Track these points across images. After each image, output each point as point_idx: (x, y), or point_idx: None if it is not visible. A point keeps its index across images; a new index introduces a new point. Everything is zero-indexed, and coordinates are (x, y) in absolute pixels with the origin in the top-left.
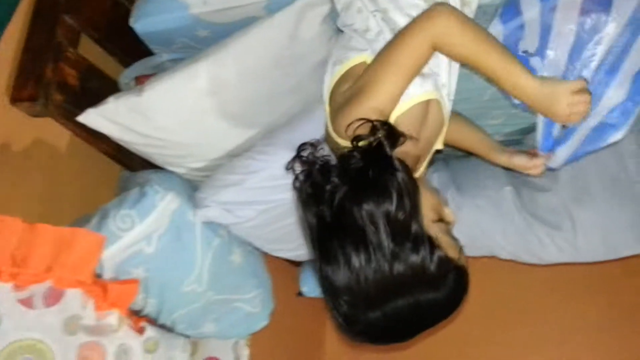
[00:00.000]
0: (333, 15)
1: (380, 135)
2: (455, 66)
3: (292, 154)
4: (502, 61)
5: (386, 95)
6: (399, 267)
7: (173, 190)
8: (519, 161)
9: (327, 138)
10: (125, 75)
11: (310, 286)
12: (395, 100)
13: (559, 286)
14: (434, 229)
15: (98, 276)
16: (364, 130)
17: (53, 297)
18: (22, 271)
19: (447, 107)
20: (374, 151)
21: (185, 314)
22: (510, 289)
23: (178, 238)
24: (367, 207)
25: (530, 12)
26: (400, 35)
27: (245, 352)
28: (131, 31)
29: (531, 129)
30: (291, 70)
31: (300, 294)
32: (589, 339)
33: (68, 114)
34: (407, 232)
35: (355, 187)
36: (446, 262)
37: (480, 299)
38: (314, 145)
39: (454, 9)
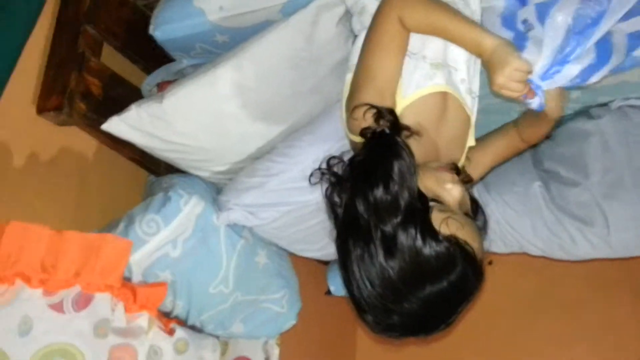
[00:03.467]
0: (349, 15)
1: (382, 122)
2: (477, 62)
3: (313, 155)
4: (466, 26)
5: (376, 77)
6: (393, 256)
7: (197, 194)
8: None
9: (349, 141)
10: (148, 82)
11: (338, 285)
12: (389, 80)
13: (593, 281)
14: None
15: (127, 280)
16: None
17: (82, 302)
18: (51, 277)
19: (469, 102)
20: (377, 138)
21: (213, 315)
22: (542, 284)
23: (203, 241)
24: (360, 197)
25: None
26: (373, 20)
27: (275, 352)
28: (152, 38)
29: (561, 122)
30: (309, 72)
31: (328, 292)
32: (623, 335)
33: (92, 123)
34: (398, 211)
35: (356, 181)
36: (447, 243)
37: (514, 294)
38: (336, 157)
39: None
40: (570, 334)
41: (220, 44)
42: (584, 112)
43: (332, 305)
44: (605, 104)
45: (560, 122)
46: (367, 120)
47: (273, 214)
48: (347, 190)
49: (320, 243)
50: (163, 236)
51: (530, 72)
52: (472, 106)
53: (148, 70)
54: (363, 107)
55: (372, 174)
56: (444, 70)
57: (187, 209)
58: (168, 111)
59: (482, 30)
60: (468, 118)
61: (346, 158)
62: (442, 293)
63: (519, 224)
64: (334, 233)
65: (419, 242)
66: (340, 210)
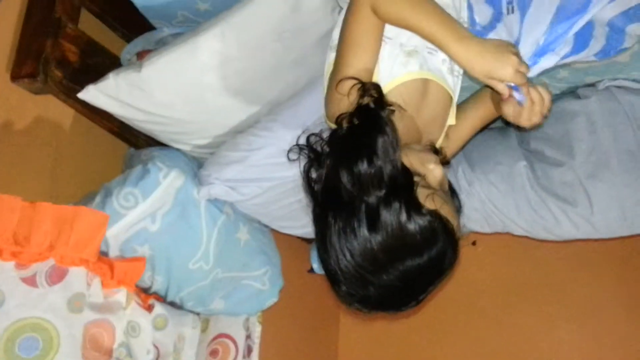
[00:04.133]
0: None
1: (366, 98)
2: None
3: (296, 130)
4: (442, 25)
5: (355, 72)
6: (376, 230)
7: (177, 167)
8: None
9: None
10: (127, 51)
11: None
12: (368, 73)
13: (578, 262)
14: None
15: (103, 254)
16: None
17: (56, 276)
18: (24, 250)
19: (450, 82)
20: (361, 112)
21: (193, 291)
22: (527, 265)
23: (183, 215)
24: (343, 170)
25: None
26: (347, 12)
27: (257, 329)
28: (133, 5)
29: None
30: (294, 43)
31: (311, 270)
32: (607, 316)
33: (69, 91)
34: (382, 184)
35: (339, 154)
36: (429, 218)
37: (498, 275)
38: (315, 134)
39: None
40: (555, 315)
41: (202, 12)
42: (571, 92)
43: (315, 283)
44: (592, 84)
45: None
46: (351, 95)
47: (255, 189)
48: (329, 164)
49: (303, 220)
50: (141, 210)
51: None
52: (454, 85)
53: (128, 38)
54: (349, 82)
55: (356, 148)
56: (419, 57)
57: (166, 183)
58: (147, 80)
59: (458, 38)
60: (450, 98)
61: (325, 135)
62: (420, 267)
63: (503, 204)
64: (311, 208)
65: (404, 215)
66: (319, 185)
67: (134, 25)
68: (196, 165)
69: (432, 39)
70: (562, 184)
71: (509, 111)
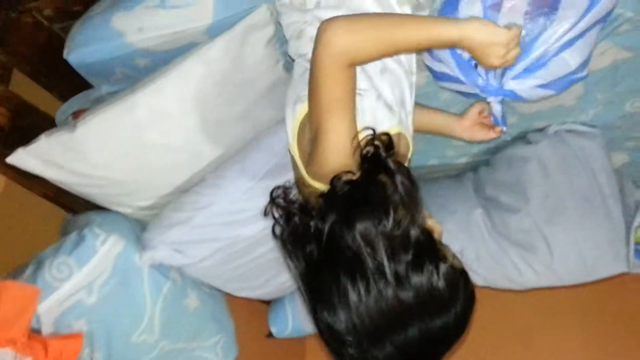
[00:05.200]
0: (279, 37)
1: (377, 144)
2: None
3: (244, 185)
4: (420, 28)
5: (341, 136)
6: (404, 290)
7: (116, 231)
8: (480, 136)
9: (301, 184)
10: (62, 111)
11: (280, 326)
12: (353, 131)
13: (542, 308)
14: None
15: (35, 332)
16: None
17: None
18: None
19: (410, 129)
20: (369, 161)
21: None
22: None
23: (123, 284)
24: (361, 226)
25: None
26: (313, 72)
27: None
28: (68, 64)
29: (500, 148)
30: (238, 97)
31: (270, 335)
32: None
33: None
34: (409, 246)
35: (345, 210)
36: (454, 273)
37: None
38: (286, 187)
39: (336, 17)
40: None
41: (141, 69)
42: (522, 138)
43: (276, 348)
44: (541, 129)
45: (498, 148)
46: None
47: (203, 251)
48: (329, 221)
49: (259, 280)
50: (76, 281)
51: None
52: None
53: (64, 98)
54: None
55: (375, 203)
56: (395, 112)
57: (104, 249)
58: (81, 141)
59: (441, 23)
60: (408, 146)
61: (293, 193)
62: (445, 325)
63: (462, 254)
64: (298, 267)
65: (435, 276)
66: (314, 247)
67: (70, 84)
68: (139, 228)
69: (426, 39)
70: (519, 230)
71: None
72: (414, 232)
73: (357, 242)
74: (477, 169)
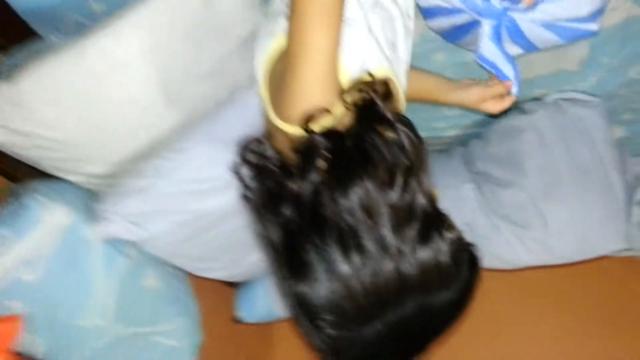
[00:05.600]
0: None
1: (371, 91)
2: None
3: (213, 150)
4: None
5: (323, 56)
6: (407, 264)
7: (63, 200)
8: (477, 92)
9: (271, 135)
10: (5, 64)
11: (249, 310)
12: (337, 55)
13: (518, 295)
14: None
15: None
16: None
17: None
18: None
19: (402, 81)
20: (365, 107)
21: (87, 354)
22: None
23: (71, 261)
24: (359, 192)
25: None
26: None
27: None
28: (12, 11)
29: (493, 119)
30: (208, 49)
31: (237, 319)
32: (546, 351)
33: None
34: (416, 215)
35: (336, 170)
36: (461, 245)
37: None
38: (259, 141)
39: None
40: (495, 350)
41: (98, 14)
42: (517, 107)
43: (245, 334)
44: (538, 99)
45: (491, 120)
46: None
47: (164, 224)
48: (328, 184)
49: (226, 259)
50: (14, 255)
51: None
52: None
53: (7, 51)
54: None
55: (377, 163)
56: (389, 54)
57: (48, 221)
58: (25, 94)
59: None
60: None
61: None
62: (447, 303)
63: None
64: (274, 236)
65: (442, 251)
66: (291, 210)
67: (15, 35)
68: (91, 198)
69: None
70: (513, 205)
71: (472, 95)
72: (421, 200)
73: (353, 211)
74: (468, 143)
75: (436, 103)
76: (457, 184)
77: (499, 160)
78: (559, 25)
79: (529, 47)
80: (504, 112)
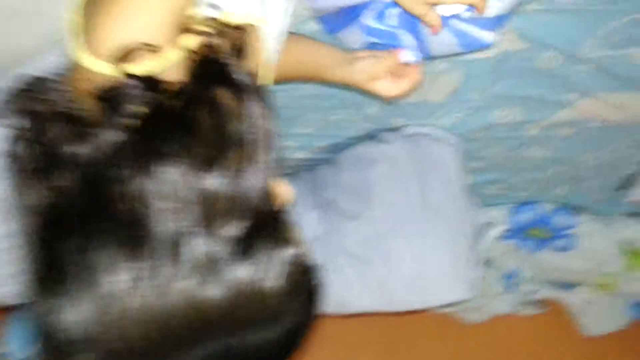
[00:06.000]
0: None
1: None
2: None
3: None
4: None
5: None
6: (216, 285)
7: None
8: (364, 66)
9: (72, 74)
10: None
11: (22, 342)
12: None
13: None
14: None
15: None
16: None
17: None
18: None
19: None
20: (203, 66)
21: None
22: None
23: None
24: (172, 169)
25: None
26: None
27: None
28: None
29: (348, 145)
30: None
31: (4, 354)
32: None
33: None
34: (246, 216)
35: (146, 134)
36: (297, 268)
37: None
38: (45, 81)
39: None
40: None
41: None
42: (373, 137)
43: None
44: (396, 129)
45: (345, 145)
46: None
47: None
48: (128, 154)
49: None
50: None
51: None
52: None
53: None
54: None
55: (205, 135)
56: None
57: None
58: None
59: None
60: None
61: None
62: (267, 343)
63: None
64: (31, 223)
65: (269, 271)
66: (65, 186)
67: None
68: None
69: None
70: (358, 239)
71: (359, 71)
72: (256, 194)
73: (152, 196)
74: (315, 169)
75: (322, 81)
76: (302, 210)
77: (348, 190)
78: (458, 28)
79: (422, 47)
80: (359, 139)
